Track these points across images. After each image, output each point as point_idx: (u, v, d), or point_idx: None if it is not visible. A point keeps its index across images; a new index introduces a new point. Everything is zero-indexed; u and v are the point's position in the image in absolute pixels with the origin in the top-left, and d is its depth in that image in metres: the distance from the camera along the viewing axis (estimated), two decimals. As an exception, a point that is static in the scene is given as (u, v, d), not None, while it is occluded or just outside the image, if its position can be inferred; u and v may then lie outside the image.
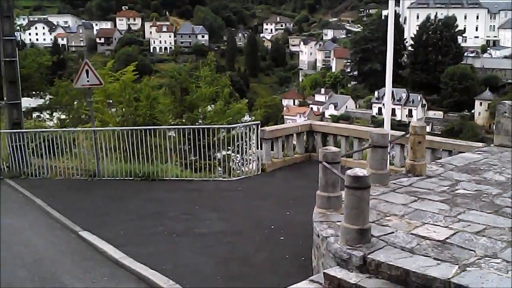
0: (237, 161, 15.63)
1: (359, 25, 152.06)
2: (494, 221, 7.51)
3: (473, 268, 5.96)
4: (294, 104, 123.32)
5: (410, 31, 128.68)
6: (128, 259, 8.87)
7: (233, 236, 9.87)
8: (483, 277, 5.70)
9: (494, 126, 13.51)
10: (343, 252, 6.53)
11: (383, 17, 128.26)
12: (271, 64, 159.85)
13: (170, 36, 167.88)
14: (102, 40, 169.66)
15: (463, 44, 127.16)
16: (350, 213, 6.61)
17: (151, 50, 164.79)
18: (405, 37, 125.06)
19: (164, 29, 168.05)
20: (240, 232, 10.08)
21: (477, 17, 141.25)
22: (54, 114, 28.79)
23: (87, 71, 14.58)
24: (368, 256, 6.33)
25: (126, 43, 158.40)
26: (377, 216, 7.66)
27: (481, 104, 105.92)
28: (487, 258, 6.22)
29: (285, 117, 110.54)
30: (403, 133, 11.82)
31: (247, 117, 22.98)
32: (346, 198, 6.65)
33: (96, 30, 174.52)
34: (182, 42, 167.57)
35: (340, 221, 7.02)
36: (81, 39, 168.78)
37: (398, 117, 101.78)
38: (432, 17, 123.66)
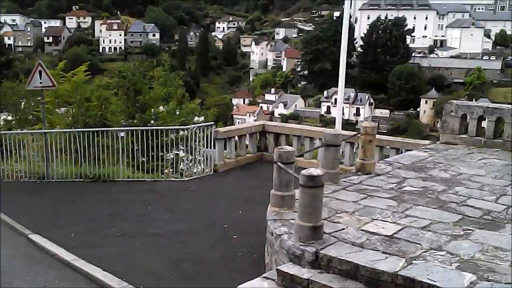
0: (190, 162, 15.63)
1: (310, 24, 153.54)
2: (439, 216, 7.81)
3: (419, 261, 6.19)
4: (244, 103, 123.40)
5: (361, 31, 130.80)
6: (80, 261, 8.77)
7: (186, 236, 9.90)
8: (428, 270, 5.92)
9: (441, 125, 13.98)
10: (296, 249, 6.67)
11: (334, 18, 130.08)
12: (222, 63, 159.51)
13: (120, 35, 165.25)
14: (50, 40, 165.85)
15: (411, 45, 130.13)
16: (304, 211, 6.76)
17: (100, 50, 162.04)
18: (355, 37, 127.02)
19: (115, 27, 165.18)
20: (193, 232, 10.12)
21: (426, 18, 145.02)
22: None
23: (40, 72, 14.30)
24: (320, 251, 6.49)
25: (75, 43, 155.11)
26: (328, 213, 7.83)
27: (426, 102, 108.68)
28: (432, 251, 6.48)
29: (234, 116, 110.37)
30: (355, 132, 12.10)
31: (196, 118, 22.87)
32: (301, 196, 6.79)
33: (45, 28, 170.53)
34: (132, 42, 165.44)
35: (293, 219, 7.18)
36: (29, 38, 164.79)
37: (346, 116, 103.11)
38: (383, 17, 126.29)
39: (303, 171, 6.74)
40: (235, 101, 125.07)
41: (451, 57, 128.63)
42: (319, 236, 6.81)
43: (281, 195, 8.21)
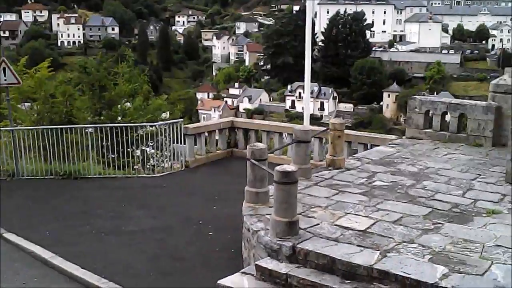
0: (160, 158, 15.68)
1: (271, 19, 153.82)
2: (410, 209, 8.13)
3: (392, 253, 6.45)
4: (208, 97, 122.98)
5: (321, 26, 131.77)
6: (58, 259, 8.82)
7: (162, 233, 10.01)
8: (402, 262, 6.19)
9: (405, 120, 14.37)
10: (274, 244, 6.87)
11: (294, 12, 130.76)
12: (184, 57, 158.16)
13: (78, 29, 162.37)
14: (7, 34, 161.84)
15: (371, 40, 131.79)
16: (279, 207, 6.97)
17: (59, 44, 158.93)
18: (315, 31, 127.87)
19: (72, 21, 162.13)
20: (169, 228, 10.23)
21: (385, 12, 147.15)
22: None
23: (4, 69, 14.11)
24: (297, 245, 6.71)
25: (32, 37, 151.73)
26: (302, 208, 8.04)
27: (389, 96, 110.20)
28: (405, 244, 6.76)
29: (199, 111, 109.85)
30: (324, 128, 12.36)
31: (164, 114, 22.75)
32: (276, 192, 6.99)
33: (1, 22, 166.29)
34: (91, 36, 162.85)
35: (269, 214, 7.39)
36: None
37: (311, 111, 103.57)
38: (342, 12, 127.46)
39: (277, 168, 6.94)
40: (199, 95, 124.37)
41: (411, 51, 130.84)
42: (295, 231, 7.03)
43: (255, 191, 8.42)
